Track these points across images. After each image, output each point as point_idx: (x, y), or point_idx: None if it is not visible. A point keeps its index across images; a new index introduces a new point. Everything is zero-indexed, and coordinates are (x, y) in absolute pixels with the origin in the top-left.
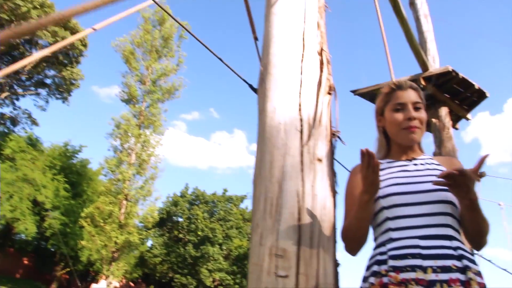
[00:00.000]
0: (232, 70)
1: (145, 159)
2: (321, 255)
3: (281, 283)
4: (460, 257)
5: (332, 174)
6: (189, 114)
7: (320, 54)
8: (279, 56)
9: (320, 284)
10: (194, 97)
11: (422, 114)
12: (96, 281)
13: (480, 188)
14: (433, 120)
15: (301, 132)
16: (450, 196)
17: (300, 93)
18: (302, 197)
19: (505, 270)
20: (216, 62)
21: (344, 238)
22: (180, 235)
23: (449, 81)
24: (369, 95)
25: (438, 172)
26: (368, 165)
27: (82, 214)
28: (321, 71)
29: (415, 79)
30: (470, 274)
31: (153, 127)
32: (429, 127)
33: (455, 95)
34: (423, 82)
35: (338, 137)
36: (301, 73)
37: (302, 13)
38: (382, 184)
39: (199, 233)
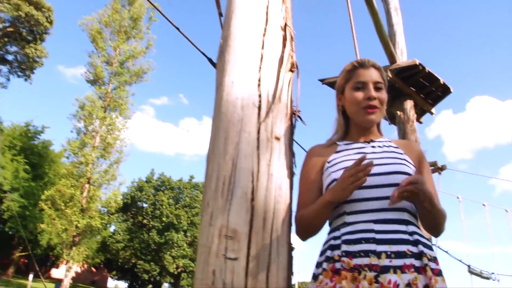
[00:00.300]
0: (192, 43)
1: (110, 142)
2: (275, 237)
3: (230, 266)
4: (415, 242)
5: (291, 154)
6: (157, 99)
7: (284, 29)
8: (240, 28)
9: (272, 268)
10: (163, 82)
11: (383, 95)
12: (57, 266)
13: (440, 181)
14: (398, 112)
15: (259, 108)
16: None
17: (260, 68)
18: (256, 176)
19: (460, 260)
20: (187, 48)
21: (298, 224)
22: (144, 221)
23: (416, 75)
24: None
25: (395, 155)
26: (358, 178)
27: (43, 197)
28: (284, 47)
29: None
30: (426, 260)
31: (119, 110)
32: (394, 119)
33: (420, 89)
34: (390, 74)
35: (299, 117)
36: (263, 48)
37: None
38: (338, 167)
39: (164, 219)
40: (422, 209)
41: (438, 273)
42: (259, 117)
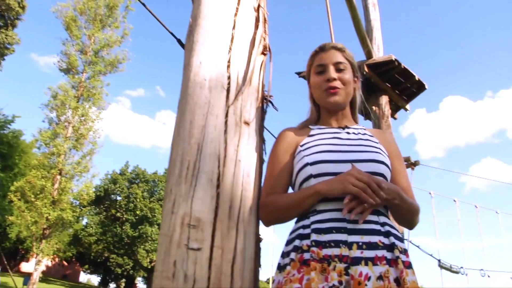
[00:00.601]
0: (160, 22)
1: (83, 133)
2: (241, 227)
3: (193, 257)
4: (387, 234)
5: (260, 140)
6: (134, 91)
7: (257, 10)
8: (211, 7)
9: (237, 259)
10: (140, 74)
11: (346, 75)
12: (27, 260)
13: (413, 177)
14: (373, 107)
15: (228, 91)
16: (382, 168)
17: (230, 49)
18: (223, 162)
19: (430, 255)
20: (165, 39)
21: (267, 210)
22: (118, 214)
23: (391, 70)
24: None
25: (371, 143)
26: (363, 189)
27: (12, 188)
28: (256, 28)
29: (359, 66)
30: (397, 252)
31: (93, 100)
32: (369, 114)
33: (396, 84)
34: (366, 69)
35: (271, 102)
36: (234, 28)
37: None
38: (312, 150)
39: (138, 212)
40: (393, 205)
41: (409, 265)
42: (228, 100)
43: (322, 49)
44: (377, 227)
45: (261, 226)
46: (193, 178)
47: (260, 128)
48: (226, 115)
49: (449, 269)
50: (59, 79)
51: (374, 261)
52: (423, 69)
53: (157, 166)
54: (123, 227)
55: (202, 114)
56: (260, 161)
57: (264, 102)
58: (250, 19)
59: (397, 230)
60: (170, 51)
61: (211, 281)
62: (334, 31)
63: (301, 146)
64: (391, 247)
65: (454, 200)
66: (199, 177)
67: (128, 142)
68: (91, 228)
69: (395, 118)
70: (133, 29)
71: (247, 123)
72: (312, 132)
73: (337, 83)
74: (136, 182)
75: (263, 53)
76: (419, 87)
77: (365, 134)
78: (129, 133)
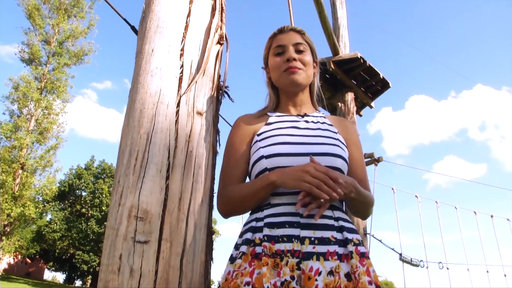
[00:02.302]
0: (114, 9)
1: (47, 127)
2: (191, 219)
3: (139, 250)
4: (340, 229)
5: (214, 131)
6: (100, 83)
7: None
8: None
9: (187, 252)
10: (107, 66)
11: (306, 57)
12: None
13: (376, 173)
14: (339, 104)
15: (180, 79)
16: (339, 162)
17: (184, 37)
18: (173, 153)
19: (392, 249)
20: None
21: (224, 200)
22: (83, 210)
23: (357, 68)
24: None
25: (329, 134)
26: (318, 186)
27: None
28: (212, 17)
29: (325, 62)
30: (351, 247)
31: (57, 93)
32: (335, 111)
33: (361, 82)
34: (332, 66)
35: (226, 93)
36: (189, 16)
37: None
38: (268, 142)
39: (104, 208)
40: (349, 199)
41: (365, 255)
42: (180, 89)
43: (281, 31)
44: (331, 222)
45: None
46: (141, 169)
47: (214, 119)
48: (178, 105)
49: (410, 262)
50: (21, 70)
51: (325, 256)
52: (390, 69)
53: None
54: (89, 223)
55: (153, 103)
56: (213, 152)
57: (220, 92)
58: (207, 7)
59: (352, 223)
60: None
61: (159, 275)
62: (302, 27)
63: (258, 135)
64: (344, 242)
65: (416, 196)
66: (148, 168)
67: (94, 136)
68: (55, 224)
69: (360, 115)
70: (99, 20)
71: (200, 113)
72: (270, 120)
73: (297, 63)
74: (102, 177)
75: (219, 43)
76: (384, 85)
77: (324, 123)
78: (96, 127)
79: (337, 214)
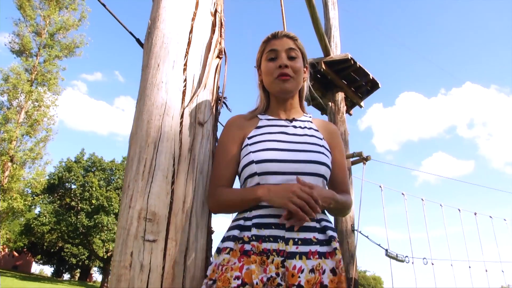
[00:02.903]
0: (119, 22)
1: (37, 119)
2: (194, 220)
3: (149, 248)
4: (323, 229)
5: (214, 140)
6: (91, 75)
7: (214, 15)
8: (169, 11)
9: (190, 250)
10: (98, 57)
11: (298, 64)
12: None
13: (364, 171)
14: (329, 103)
15: (184, 93)
16: (323, 170)
17: (187, 53)
18: (178, 160)
19: (378, 245)
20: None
21: (214, 200)
22: (73, 203)
23: (348, 68)
24: None
25: (315, 140)
26: (307, 213)
27: None
28: (213, 32)
29: (316, 62)
30: (335, 244)
31: (47, 85)
32: (325, 110)
33: (351, 82)
34: (324, 66)
35: (224, 103)
36: (191, 32)
37: None
38: (258, 147)
39: (94, 201)
40: (329, 209)
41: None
42: (183, 102)
43: (275, 36)
44: (313, 224)
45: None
46: (149, 175)
47: (214, 128)
48: (182, 116)
49: (395, 258)
50: (10, 60)
51: (308, 255)
52: (381, 66)
53: (114, 154)
54: (78, 216)
55: (159, 115)
56: (213, 159)
57: (218, 103)
58: (207, 24)
59: (332, 223)
60: (131, 36)
61: (166, 270)
62: (294, 27)
63: (249, 138)
64: (328, 242)
65: (403, 194)
66: (155, 175)
67: (84, 128)
68: (44, 217)
69: (350, 114)
70: (91, 11)
71: (201, 124)
72: (260, 123)
73: (289, 71)
74: (92, 170)
75: (218, 57)
76: (373, 85)
77: (311, 128)
78: (85, 119)
79: (319, 216)
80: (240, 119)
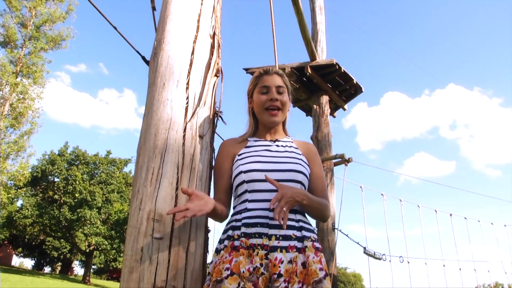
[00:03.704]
0: (127, 41)
1: (22, 111)
2: (194, 221)
3: (156, 244)
4: (300, 228)
5: (211, 150)
6: (74, 66)
7: (213, 37)
8: (173, 34)
9: (190, 246)
10: (82, 48)
11: (284, 98)
12: None
13: (346, 172)
14: (314, 106)
15: (186, 109)
16: (300, 177)
17: (189, 72)
18: (181, 169)
19: (357, 243)
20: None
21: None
22: (56, 196)
23: (332, 73)
24: None
25: (294, 155)
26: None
27: None
28: (212, 54)
29: (303, 66)
30: (307, 243)
31: (33, 77)
32: (311, 112)
33: (336, 86)
34: (309, 70)
35: (220, 117)
36: (193, 54)
37: None
38: (246, 160)
39: (77, 195)
40: (303, 205)
41: (320, 250)
42: (186, 117)
43: (266, 72)
44: (293, 223)
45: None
46: (157, 182)
47: (211, 140)
48: (184, 130)
49: (373, 255)
50: None
51: (287, 249)
52: (366, 65)
53: (97, 147)
54: (61, 210)
55: (165, 129)
56: (210, 167)
57: (215, 117)
58: (207, 46)
59: (310, 225)
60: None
61: (171, 263)
62: (282, 32)
63: (239, 155)
64: (302, 239)
65: (382, 194)
66: (162, 181)
67: (66, 120)
68: (26, 210)
69: (334, 116)
70: (78, 4)
71: (201, 137)
72: (248, 144)
73: (278, 103)
74: (76, 164)
75: (216, 75)
76: (357, 90)
77: (291, 146)
78: (68, 111)
79: (298, 217)
80: (232, 141)
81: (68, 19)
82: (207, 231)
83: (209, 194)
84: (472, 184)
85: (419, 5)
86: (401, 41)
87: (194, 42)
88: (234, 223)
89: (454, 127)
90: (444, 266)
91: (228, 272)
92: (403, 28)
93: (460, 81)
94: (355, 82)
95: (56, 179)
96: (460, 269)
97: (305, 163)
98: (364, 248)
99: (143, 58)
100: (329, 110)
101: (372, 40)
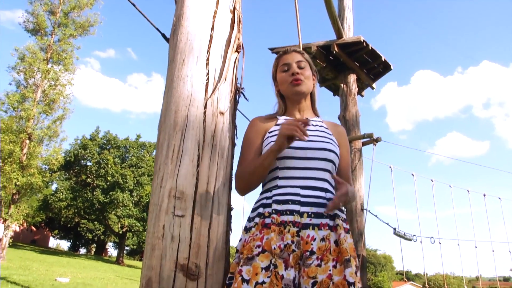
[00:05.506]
0: (146, 18)
1: (54, 98)
2: (216, 199)
3: (178, 222)
4: None
5: (233, 127)
6: (103, 52)
7: (233, 12)
8: (193, 9)
9: (213, 224)
10: (110, 34)
11: (307, 72)
12: None
13: (374, 152)
14: (342, 85)
15: (207, 85)
16: (332, 156)
17: (209, 48)
18: (202, 146)
19: (387, 224)
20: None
21: (239, 178)
22: (88, 180)
23: (360, 51)
24: None
25: (325, 134)
26: (301, 132)
27: None
28: (232, 29)
29: (329, 45)
30: (338, 221)
31: (63, 64)
32: (338, 91)
33: (363, 64)
34: (336, 49)
35: (242, 94)
36: (212, 29)
37: None
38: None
39: (109, 178)
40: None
41: (347, 231)
42: (206, 94)
43: (285, 52)
44: (324, 201)
45: (234, 196)
46: (177, 159)
47: (233, 117)
48: (205, 107)
49: (403, 236)
50: (24, 37)
51: (319, 226)
52: (396, 44)
53: (128, 131)
54: (94, 193)
55: (185, 105)
56: (232, 144)
57: (237, 93)
58: (227, 21)
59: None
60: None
61: (192, 241)
62: (308, 9)
63: (269, 132)
64: (333, 217)
65: (412, 174)
66: (183, 159)
67: (97, 106)
68: (61, 194)
69: (362, 96)
70: None
71: (222, 113)
72: (279, 122)
73: (300, 76)
74: (107, 148)
75: (236, 51)
76: (385, 67)
77: (321, 126)
78: (98, 96)
79: (329, 195)
80: (262, 119)
81: (95, 5)
82: (230, 208)
83: (231, 171)
84: (507, 164)
85: None
86: (432, 18)
87: (214, 17)
88: (264, 201)
89: (488, 105)
90: (476, 247)
91: (260, 250)
92: (434, 4)
93: (494, 58)
94: (383, 60)
95: (88, 163)
96: (493, 251)
97: (336, 143)
98: (394, 229)
99: (163, 35)
100: (357, 89)
101: (401, 17)
